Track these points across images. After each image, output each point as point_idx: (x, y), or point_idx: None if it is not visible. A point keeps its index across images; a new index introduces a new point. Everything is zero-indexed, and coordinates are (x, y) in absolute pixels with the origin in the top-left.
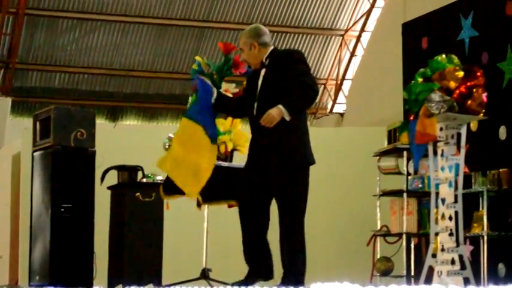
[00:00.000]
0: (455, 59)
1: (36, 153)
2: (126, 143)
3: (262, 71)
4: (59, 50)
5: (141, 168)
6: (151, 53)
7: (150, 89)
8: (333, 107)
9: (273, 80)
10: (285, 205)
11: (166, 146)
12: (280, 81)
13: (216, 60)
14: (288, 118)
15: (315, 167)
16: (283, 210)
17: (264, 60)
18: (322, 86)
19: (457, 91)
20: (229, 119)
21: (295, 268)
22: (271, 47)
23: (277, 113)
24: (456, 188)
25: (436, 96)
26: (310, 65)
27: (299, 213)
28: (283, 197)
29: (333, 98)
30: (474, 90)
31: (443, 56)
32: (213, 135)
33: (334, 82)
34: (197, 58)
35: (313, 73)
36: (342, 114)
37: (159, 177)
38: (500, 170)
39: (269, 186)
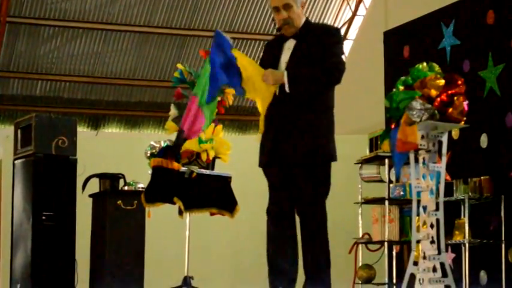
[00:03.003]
0: (437, 67)
1: (18, 161)
2: (108, 151)
3: (291, 43)
4: (40, 58)
5: (123, 176)
6: (133, 61)
7: (132, 96)
8: None
9: (305, 57)
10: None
11: (148, 154)
12: (312, 58)
13: (198, 68)
14: (287, 89)
15: None
16: (304, 213)
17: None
18: None
19: (438, 99)
20: (211, 127)
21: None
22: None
23: (277, 76)
24: (437, 196)
25: (417, 104)
26: None
27: (318, 218)
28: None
29: None
30: (455, 98)
31: (424, 64)
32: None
33: None
34: (179, 66)
35: None
36: None
37: (141, 185)
38: (482, 177)
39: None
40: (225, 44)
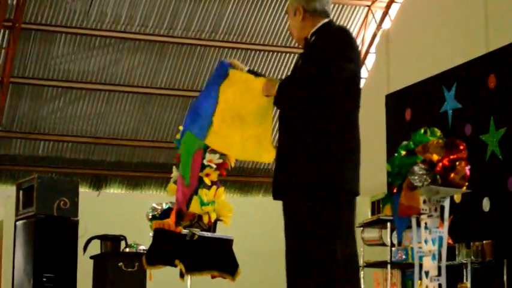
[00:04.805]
0: (438, 132)
1: (19, 222)
2: (109, 211)
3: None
4: (43, 119)
5: (124, 238)
6: (135, 122)
7: (134, 157)
8: None
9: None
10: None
11: (150, 216)
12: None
13: None
14: (274, 103)
15: None
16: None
17: (308, 36)
18: None
19: (440, 164)
20: (213, 189)
21: None
22: (325, 20)
23: (269, 86)
24: (440, 260)
25: (419, 169)
26: None
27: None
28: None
29: None
30: (457, 163)
31: (426, 129)
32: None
33: None
34: (181, 128)
35: None
36: None
37: (142, 247)
38: (484, 241)
39: None
40: (221, 69)
